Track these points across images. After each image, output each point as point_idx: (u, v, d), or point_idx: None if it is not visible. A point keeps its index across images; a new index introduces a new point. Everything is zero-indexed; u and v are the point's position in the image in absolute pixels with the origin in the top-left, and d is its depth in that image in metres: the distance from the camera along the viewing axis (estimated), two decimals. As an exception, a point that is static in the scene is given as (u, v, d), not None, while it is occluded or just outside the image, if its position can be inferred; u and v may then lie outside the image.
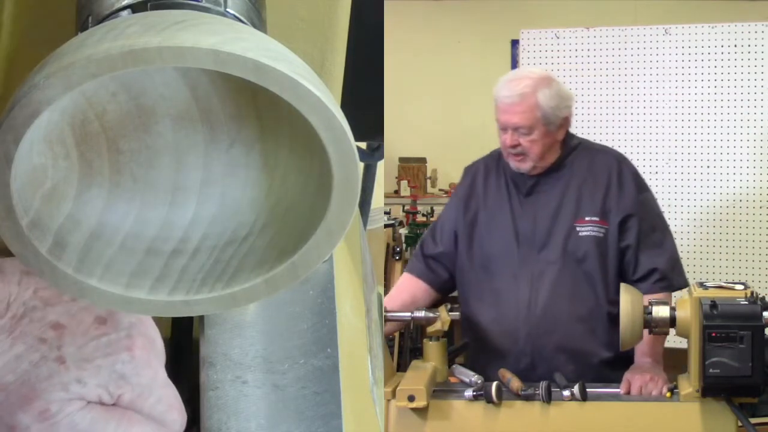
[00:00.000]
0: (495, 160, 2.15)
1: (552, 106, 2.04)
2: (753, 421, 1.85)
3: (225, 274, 0.81)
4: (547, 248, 2.03)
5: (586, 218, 2.04)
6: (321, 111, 0.68)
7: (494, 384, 1.84)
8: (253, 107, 0.71)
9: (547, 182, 2.08)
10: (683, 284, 2.06)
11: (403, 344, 3.18)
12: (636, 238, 2.03)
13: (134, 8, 0.93)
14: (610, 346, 1.95)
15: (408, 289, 2.13)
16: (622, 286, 1.84)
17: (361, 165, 1.49)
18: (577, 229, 2.03)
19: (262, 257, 0.80)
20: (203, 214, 0.82)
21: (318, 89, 0.68)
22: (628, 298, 1.80)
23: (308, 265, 0.78)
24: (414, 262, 2.20)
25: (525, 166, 2.05)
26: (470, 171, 2.19)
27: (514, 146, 2.03)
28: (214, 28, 0.68)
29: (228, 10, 0.96)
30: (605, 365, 2.03)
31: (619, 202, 2.05)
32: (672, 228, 2.20)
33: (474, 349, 2.12)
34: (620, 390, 1.91)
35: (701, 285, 1.80)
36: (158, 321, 0.85)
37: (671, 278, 2.04)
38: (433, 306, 2.07)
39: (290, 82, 0.67)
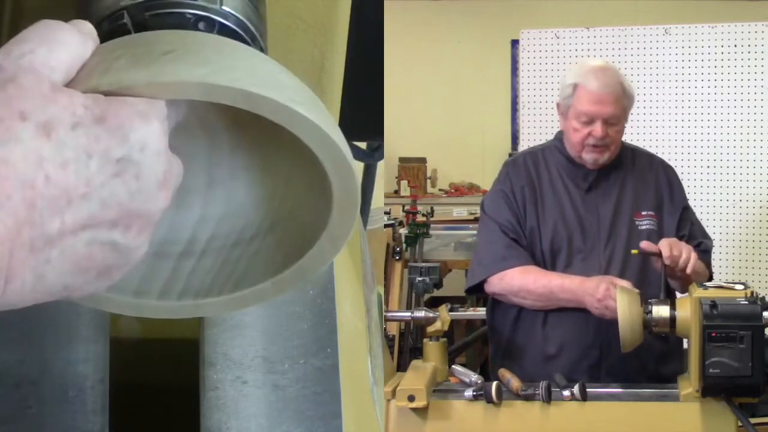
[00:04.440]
0: (536, 157, 2.14)
1: (631, 94, 2.08)
2: (753, 421, 1.85)
3: (233, 276, 0.81)
4: (612, 242, 2.05)
5: (643, 212, 2.08)
6: (315, 133, 0.69)
7: (494, 384, 1.84)
8: (252, 114, 0.71)
9: (606, 178, 2.10)
10: (710, 272, 2.10)
11: (403, 344, 3.18)
12: (690, 228, 2.10)
13: (130, 11, 0.93)
14: (666, 339, 1.95)
15: (530, 269, 2.05)
16: (618, 288, 1.84)
17: (361, 165, 1.49)
18: (636, 222, 2.07)
19: (270, 259, 0.80)
20: (210, 215, 0.82)
21: (311, 112, 0.69)
22: (625, 299, 1.80)
23: (315, 268, 0.78)
24: (511, 257, 2.06)
25: (603, 158, 2.06)
26: (518, 165, 2.15)
27: (603, 137, 2.03)
28: (204, 56, 0.68)
29: (224, 7, 0.96)
30: (660, 359, 2.05)
31: (673, 196, 2.11)
32: (672, 228, 2.22)
33: (522, 348, 2.08)
34: (645, 248, 1.91)
35: (701, 285, 1.80)
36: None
37: (710, 257, 2.11)
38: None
39: (281, 109, 0.67)
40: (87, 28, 0.73)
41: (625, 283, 1.89)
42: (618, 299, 1.81)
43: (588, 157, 2.05)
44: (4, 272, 0.61)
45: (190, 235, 0.82)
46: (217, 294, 0.81)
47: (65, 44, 0.68)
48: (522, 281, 2.02)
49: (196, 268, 0.81)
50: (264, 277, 0.80)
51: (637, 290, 1.85)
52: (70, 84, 0.67)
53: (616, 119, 2.04)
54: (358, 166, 1.49)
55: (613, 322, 1.87)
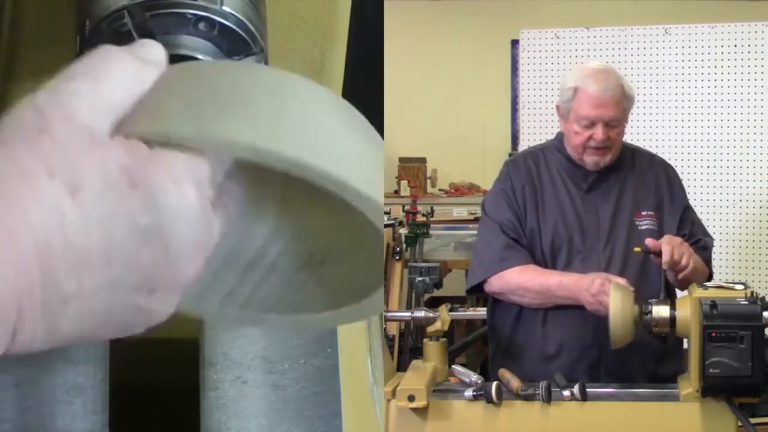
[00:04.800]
0: (537, 157, 2.14)
1: (631, 96, 2.08)
2: (753, 421, 1.85)
3: (297, 298, 0.80)
4: (611, 242, 2.05)
5: (643, 212, 2.08)
6: (370, 207, 0.68)
7: (494, 384, 1.84)
8: None
9: (605, 179, 2.09)
10: (711, 270, 2.10)
11: (403, 344, 3.17)
12: (690, 227, 2.10)
13: (130, 11, 0.93)
14: (665, 339, 1.96)
15: (528, 268, 2.04)
16: (613, 284, 1.85)
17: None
18: (636, 223, 2.07)
19: (334, 289, 0.79)
20: (283, 230, 0.80)
21: (367, 185, 0.67)
22: (618, 295, 1.81)
23: (373, 311, 0.78)
24: (511, 257, 2.06)
25: (605, 160, 2.06)
26: (518, 164, 2.15)
27: (605, 140, 2.03)
28: (263, 108, 0.65)
29: (224, 8, 0.96)
30: (660, 358, 2.05)
31: (673, 195, 2.11)
32: (672, 227, 2.22)
33: (522, 348, 2.09)
34: (649, 246, 1.91)
35: (701, 285, 1.80)
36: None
37: (710, 254, 2.11)
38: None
39: (332, 180, 0.66)
40: (150, 52, 0.70)
41: (620, 280, 1.89)
42: (611, 295, 1.81)
43: (589, 159, 2.06)
44: (10, 327, 0.59)
45: (260, 246, 0.81)
46: (279, 312, 0.80)
47: (117, 80, 0.65)
48: (520, 280, 2.02)
49: (261, 282, 0.80)
50: (325, 307, 0.79)
51: (631, 288, 1.85)
52: (118, 127, 0.64)
53: (617, 122, 2.04)
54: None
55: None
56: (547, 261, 2.05)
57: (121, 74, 0.66)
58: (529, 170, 2.11)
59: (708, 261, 2.09)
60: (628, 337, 1.81)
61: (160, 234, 0.63)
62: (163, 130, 0.64)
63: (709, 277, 2.06)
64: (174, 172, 0.63)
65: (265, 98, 0.67)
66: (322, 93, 0.71)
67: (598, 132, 2.02)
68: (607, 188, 2.10)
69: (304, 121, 0.67)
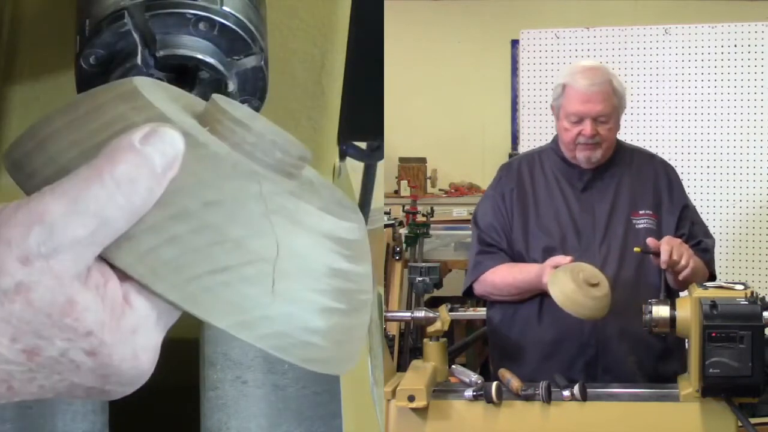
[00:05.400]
0: (533, 160, 2.16)
1: (622, 94, 2.09)
2: (753, 421, 1.85)
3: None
4: (607, 241, 2.06)
5: (641, 211, 2.08)
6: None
7: (494, 384, 1.84)
8: None
9: (601, 177, 2.10)
10: (714, 271, 2.10)
11: (403, 344, 3.17)
12: (689, 227, 2.10)
13: (130, 11, 0.93)
14: (664, 338, 1.96)
15: (498, 268, 2.08)
16: (551, 275, 1.87)
17: (361, 165, 1.49)
18: (634, 221, 2.08)
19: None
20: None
21: (328, 366, 0.71)
22: (555, 279, 1.86)
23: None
24: (485, 260, 2.11)
25: (596, 155, 2.07)
26: (511, 168, 2.18)
27: (593, 136, 2.04)
28: (244, 294, 0.66)
29: (224, 8, 0.96)
30: (659, 357, 2.05)
31: (672, 195, 2.12)
32: (672, 227, 2.22)
33: (520, 346, 2.09)
34: (649, 245, 1.93)
35: (701, 285, 1.80)
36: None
37: (712, 255, 2.11)
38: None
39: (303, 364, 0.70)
40: (173, 149, 0.64)
41: (561, 260, 1.91)
42: (549, 281, 1.86)
43: (580, 155, 2.07)
44: None
45: None
46: None
47: (118, 218, 0.62)
48: (492, 281, 2.08)
49: None
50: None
51: (569, 264, 1.88)
52: (108, 251, 0.62)
53: (606, 117, 2.05)
54: (358, 166, 1.49)
55: (607, 320, 1.91)
56: (541, 262, 2.06)
57: (129, 206, 0.62)
58: (520, 174, 2.14)
59: (709, 262, 2.09)
60: (587, 310, 1.83)
61: (106, 385, 0.65)
62: (150, 281, 0.64)
63: (712, 279, 2.06)
64: (140, 339, 0.65)
65: (251, 272, 0.67)
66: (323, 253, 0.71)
67: (587, 127, 2.04)
68: (603, 187, 2.10)
69: (285, 307, 0.68)
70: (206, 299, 0.65)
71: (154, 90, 0.73)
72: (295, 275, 0.68)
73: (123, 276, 0.64)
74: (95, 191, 0.60)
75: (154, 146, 0.63)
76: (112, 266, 0.64)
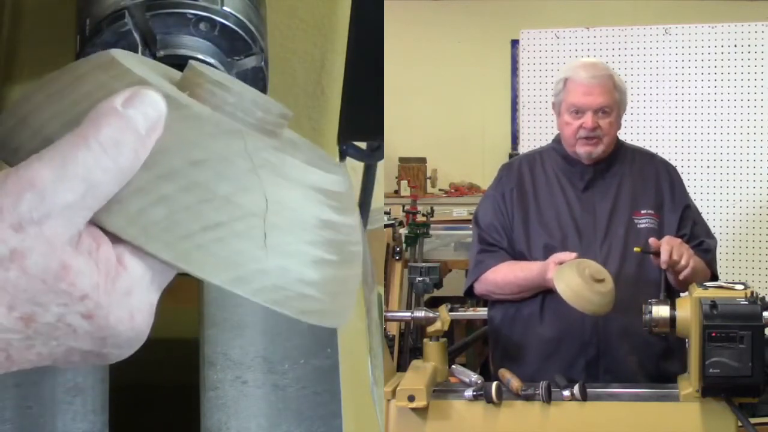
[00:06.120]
0: (533, 160, 2.16)
1: (623, 90, 2.10)
2: (753, 421, 1.85)
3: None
4: (608, 240, 2.06)
5: (642, 211, 2.08)
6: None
7: (494, 384, 1.84)
8: None
9: (603, 177, 2.10)
10: (716, 271, 2.10)
11: (403, 344, 3.17)
12: (691, 227, 2.10)
13: (131, 11, 0.93)
14: (665, 337, 1.96)
15: (500, 267, 2.08)
16: (556, 270, 1.87)
17: (361, 165, 1.49)
18: (635, 221, 2.07)
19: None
20: None
21: (323, 318, 0.71)
22: (560, 275, 1.85)
23: None
24: (486, 259, 2.11)
25: (597, 150, 2.06)
26: (512, 168, 2.17)
27: (594, 129, 2.04)
28: (237, 249, 0.66)
29: (225, 8, 0.96)
30: (659, 357, 2.05)
31: (674, 195, 2.12)
32: (672, 227, 2.22)
33: (521, 345, 2.09)
34: (652, 244, 1.93)
35: (701, 285, 1.80)
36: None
37: (713, 255, 2.11)
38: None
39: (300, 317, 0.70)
40: (148, 114, 0.65)
41: (565, 256, 1.91)
42: (554, 277, 1.85)
43: (581, 150, 2.07)
44: None
45: None
46: None
47: (106, 182, 0.62)
48: (493, 279, 2.07)
49: None
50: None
51: (574, 259, 1.88)
52: (99, 215, 0.63)
53: (607, 109, 2.05)
54: (358, 166, 1.49)
55: (609, 319, 1.91)
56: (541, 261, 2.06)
57: (115, 165, 0.63)
58: (521, 173, 2.13)
59: (710, 262, 2.08)
60: (593, 305, 1.83)
61: (103, 348, 0.66)
62: (143, 241, 0.64)
63: (714, 279, 2.05)
64: (135, 300, 0.65)
65: (244, 230, 0.67)
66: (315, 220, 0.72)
67: (588, 120, 2.04)
68: (605, 186, 2.10)
69: (279, 260, 0.68)
70: (199, 256, 0.65)
71: (131, 59, 0.73)
72: (286, 228, 0.68)
73: (115, 239, 0.64)
74: (82, 156, 0.61)
75: (136, 108, 0.64)
76: (105, 231, 0.64)
